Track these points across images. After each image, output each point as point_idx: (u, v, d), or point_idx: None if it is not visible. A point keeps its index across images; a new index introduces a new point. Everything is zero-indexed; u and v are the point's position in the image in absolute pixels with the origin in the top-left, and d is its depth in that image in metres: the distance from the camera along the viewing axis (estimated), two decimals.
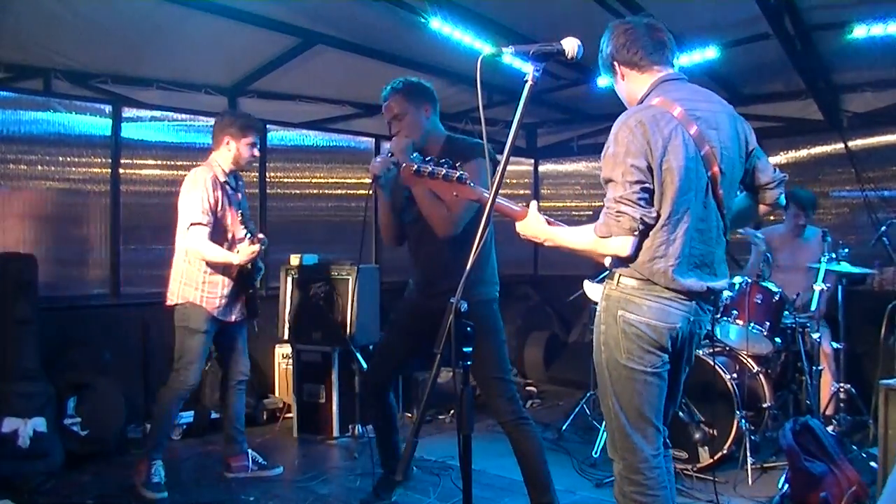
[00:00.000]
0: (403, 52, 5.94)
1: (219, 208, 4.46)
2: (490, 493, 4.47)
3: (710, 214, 2.71)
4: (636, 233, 2.55)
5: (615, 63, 2.83)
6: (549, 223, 2.78)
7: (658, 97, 2.69)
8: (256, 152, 4.68)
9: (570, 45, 2.08)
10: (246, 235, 4.46)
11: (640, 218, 2.53)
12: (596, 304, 3.03)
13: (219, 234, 4.48)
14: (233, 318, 4.62)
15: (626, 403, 2.70)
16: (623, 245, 2.57)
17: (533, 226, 2.79)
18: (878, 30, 5.03)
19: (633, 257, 2.61)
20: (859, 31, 5.11)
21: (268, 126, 6.69)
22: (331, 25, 5.42)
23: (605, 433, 2.96)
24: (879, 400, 3.81)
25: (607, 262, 2.80)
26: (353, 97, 7.06)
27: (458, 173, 2.71)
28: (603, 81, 2.94)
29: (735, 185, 2.84)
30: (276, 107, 6.71)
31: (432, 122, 3.94)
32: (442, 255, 3.72)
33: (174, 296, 4.49)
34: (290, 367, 6.12)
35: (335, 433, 5.67)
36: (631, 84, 2.84)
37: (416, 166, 2.75)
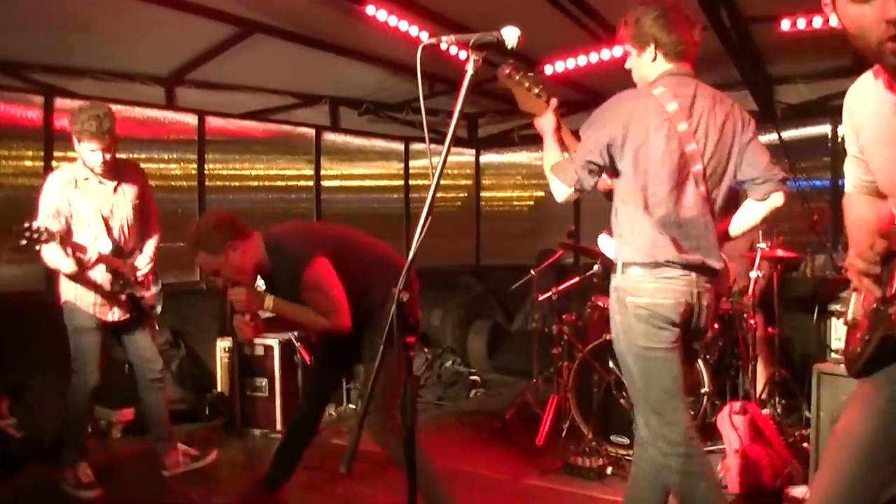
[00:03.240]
0: (343, 42, 5.90)
1: (71, 209, 4.20)
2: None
3: (695, 205, 2.92)
4: (573, 189, 2.93)
5: (652, 43, 2.98)
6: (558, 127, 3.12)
7: (661, 88, 2.92)
8: (98, 160, 4.14)
9: (511, 35, 2.08)
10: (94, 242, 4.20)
11: (578, 179, 2.91)
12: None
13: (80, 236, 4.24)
14: (116, 317, 4.42)
15: (655, 383, 2.92)
16: (562, 192, 2.99)
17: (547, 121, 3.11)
18: (807, 23, 5.14)
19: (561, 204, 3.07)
20: (789, 24, 5.22)
21: (206, 117, 6.60)
22: (270, 14, 5.35)
23: (639, 415, 3.10)
24: (812, 383, 3.92)
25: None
26: (294, 87, 6.99)
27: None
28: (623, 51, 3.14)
29: (726, 180, 3.02)
30: (214, 97, 6.61)
31: (247, 252, 3.55)
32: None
33: (60, 295, 4.36)
34: (232, 360, 6.05)
35: (278, 426, 5.62)
36: (650, 66, 3.02)
37: None
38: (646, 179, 2.89)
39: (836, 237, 6.51)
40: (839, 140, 6.97)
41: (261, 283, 3.73)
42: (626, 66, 3.15)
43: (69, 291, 4.31)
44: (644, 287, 2.90)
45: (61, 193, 4.17)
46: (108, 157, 4.17)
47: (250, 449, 5.40)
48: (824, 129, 7.11)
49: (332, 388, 4.28)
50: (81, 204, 4.23)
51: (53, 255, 4.09)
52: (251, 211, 7.15)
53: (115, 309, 4.42)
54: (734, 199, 3.19)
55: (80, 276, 4.23)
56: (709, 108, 2.95)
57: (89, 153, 4.14)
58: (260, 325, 3.57)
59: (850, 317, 2.07)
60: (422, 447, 3.51)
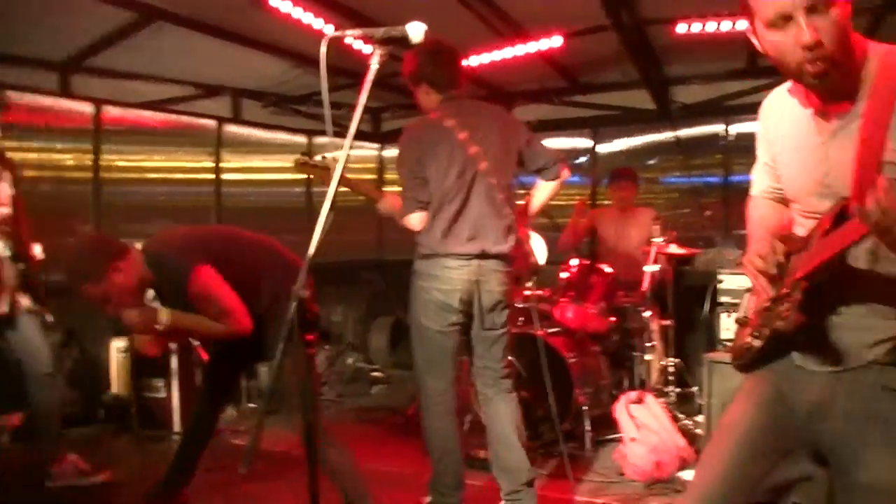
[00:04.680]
0: (246, 32, 5.77)
1: None
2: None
3: (482, 197, 3.62)
4: (416, 210, 3.61)
5: (425, 82, 3.70)
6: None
7: (438, 111, 3.67)
8: None
9: (416, 31, 2.09)
10: None
11: (412, 198, 3.61)
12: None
13: None
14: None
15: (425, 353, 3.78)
16: (414, 218, 3.65)
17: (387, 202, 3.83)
18: (701, 26, 5.32)
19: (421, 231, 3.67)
20: (685, 28, 5.38)
21: (103, 106, 6.37)
22: (171, 1, 5.18)
23: None
24: (704, 372, 4.06)
25: None
26: (195, 77, 6.80)
27: None
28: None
29: (507, 172, 3.76)
30: (112, 85, 6.36)
31: (128, 270, 3.37)
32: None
33: None
34: (128, 361, 5.86)
35: (176, 428, 5.49)
36: (429, 98, 3.75)
37: None
38: (438, 183, 3.58)
39: (727, 232, 6.77)
40: (731, 139, 7.25)
41: (151, 295, 3.60)
42: (418, 102, 3.83)
43: None
44: (433, 275, 3.63)
45: None
46: None
47: (147, 451, 5.24)
48: (717, 128, 7.35)
49: (230, 387, 4.16)
50: None
51: None
52: (149, 204, 6.94)
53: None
54: None
55: None
56: (484, 117, 3.72)
57: None
58: (162, 341, 3.49)
59: (741, 314, 2.16)
60: (344, 445, 3.56)
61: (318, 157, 3.82)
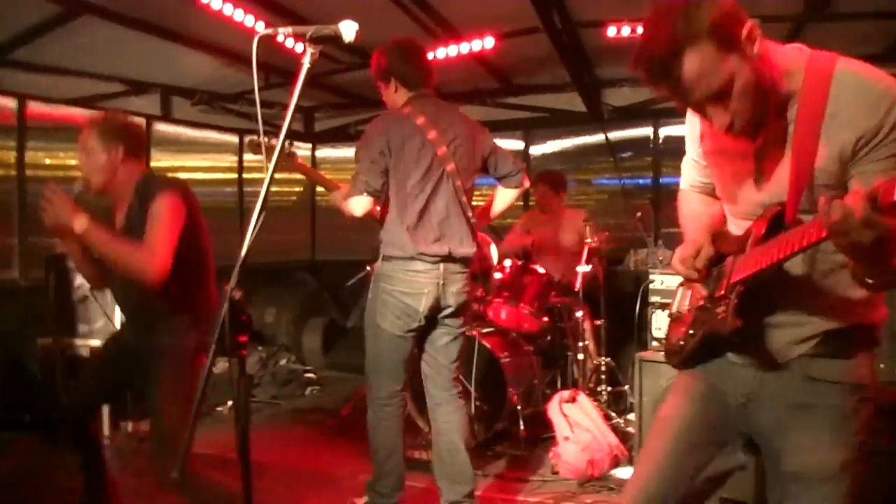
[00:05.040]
0: (177, 28, 5.67)
1: None
2: (273, 484, 4.42)
3: (447, 197, 3.59)
4: (365, 192, 3.46)
5: (393, 78, 3.66)
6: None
7: (409, 107, 3.60)
8: None
9: (349, 29, 2.07)
10: None
11: (366, 181, 3.47)
12: None
13: None
14: None
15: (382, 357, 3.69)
16: (358, 203, 3.48)
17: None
18: (631, 30, 5.40)
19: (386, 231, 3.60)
20: (615, 31, 5.46)
21: (28, 101, 6.16)
22: None
23: None
24: (635, 370, 4.12)
25: None
26: (124, 74, 6.65)
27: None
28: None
29: (471, 176, 3.75)
30: (37, 80, 6.16)
31: (123, 169, 3.28)
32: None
33: None
34: (55, 362, 5.67)
35: (106, 432, 5.34)
36: (396, 96, 3.70)
37: None
38: (404, 179, 3.52)
39: (658, 233, 6.89)
40: (660, 141, 7.39)
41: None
42: (384, 98, 3.78)
43: None
44: (398, 278, 3.54)
45: None
46: None
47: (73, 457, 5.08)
48: (647, 130, 7.49)
49: (111, 391, 3.73)
50: None
51: None
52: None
53: None
54: None
55: None
56: (453, 118, 3.68)
57: None
58: (78, 250, 3.26)
59: (674, 309, 2.20)
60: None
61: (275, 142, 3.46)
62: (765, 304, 1.88)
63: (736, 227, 1.98)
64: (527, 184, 3.96)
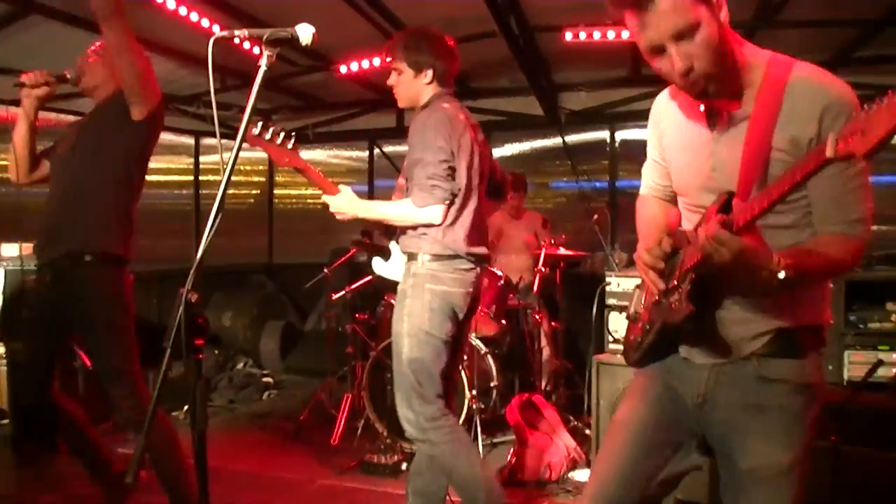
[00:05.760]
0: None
1: None
2: (230, 490, 4.37)
3: (480, 198, 3.37)
4: (446, 202, 3.15)
5: (429, 69, 3.32)
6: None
7: (448, 104, 3.29)
8: None
9: (305, 32, 2.06)
10: None
11: (448, 190, 3.15)
12: (394, 281, 3.45)
13: None
14: None
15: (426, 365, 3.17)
16: (437, 212, 3.14)
17: (345, 201, 3.23)
18: (587, 35, 5.45)
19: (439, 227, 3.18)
20: (571, 35, 5.51)
21: None
22: None
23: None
24: (592, 373, 4.15)
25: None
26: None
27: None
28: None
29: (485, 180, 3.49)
30: None
31: (110, 63, 3.93)
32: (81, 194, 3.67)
33: None
34: (4, 367, 5.58)
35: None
36: (425, 87, 3.35)
37: None
38: (462, 177, 3.24)
39: (614, 235, 6.96)
40: (616, 145, 7.46)
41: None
42: (389, 82, 3.43)
43: None
44: (448, 277, 3.20)
45: None
46: None
47: (27, 464, 4.99)
48: (603, 134, 7.57)
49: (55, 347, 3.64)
50: None
51: None
52: (26, 205, 6.62)
53: None
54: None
55: None
56: (472, 121, 3.41)
57: None
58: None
59: (632, 310, 2.23)
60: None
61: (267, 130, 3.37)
62: (716, 297, 1.92)
63: (690, 224, 2.02)
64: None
